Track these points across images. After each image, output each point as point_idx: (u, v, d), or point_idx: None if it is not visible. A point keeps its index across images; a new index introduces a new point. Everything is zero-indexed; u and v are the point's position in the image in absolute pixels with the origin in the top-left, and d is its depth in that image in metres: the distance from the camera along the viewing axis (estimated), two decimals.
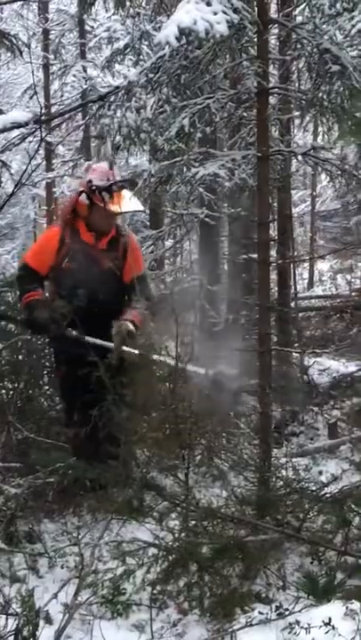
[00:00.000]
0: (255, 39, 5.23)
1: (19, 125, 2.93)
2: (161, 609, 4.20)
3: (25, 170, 4.94)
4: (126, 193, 5.73)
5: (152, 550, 4.49)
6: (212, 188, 7.54)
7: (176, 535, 4.58)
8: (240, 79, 6.40)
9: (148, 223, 15.43)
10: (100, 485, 5.25)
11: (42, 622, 3.62)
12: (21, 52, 5.15)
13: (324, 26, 5.20)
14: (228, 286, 9.97)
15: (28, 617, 3.44)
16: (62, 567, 4.67)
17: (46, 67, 15.99)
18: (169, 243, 12.57)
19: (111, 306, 5.69)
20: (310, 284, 20.89)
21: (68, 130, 14.89)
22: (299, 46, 5.28)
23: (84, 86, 15.15)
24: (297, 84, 5.72)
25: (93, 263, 5.75)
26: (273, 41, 7.24)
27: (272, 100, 6.06)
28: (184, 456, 5.24)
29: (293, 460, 6.64)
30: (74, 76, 15.40)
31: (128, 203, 5.67)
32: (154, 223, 14.51)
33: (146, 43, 11.94)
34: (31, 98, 16.87)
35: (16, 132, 4.88)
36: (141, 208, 5.70)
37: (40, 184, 17.61)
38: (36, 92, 16.70)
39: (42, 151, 16.11)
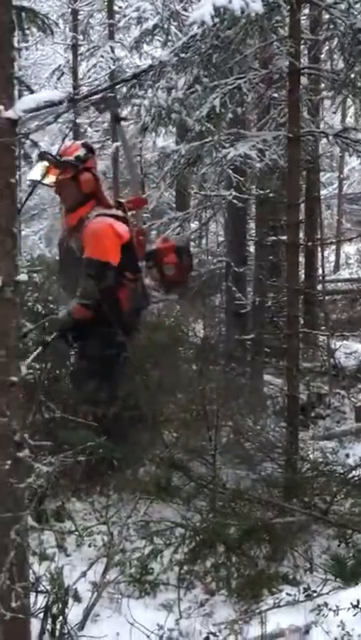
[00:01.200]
0: (287, 19, 5.19)
1: (52, 104, 2.93)
2: (188, 589, 4.22)
3: (58, 150, 4.97)
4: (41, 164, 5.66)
5: (179, 530, 4.50)
6: (241, 170, 7.49)
7: (204, 516, 4.59)
8: (271, 59, 6.36)
9: (173, 205, 15.41)
10: (127, 465, 5.29)
11: (71, 600, 3.65)
12: (52, 32, 5.17)
13: (358, 5, 5.14)
14: (255, 268, 9.93)
15: (58, 594, 3.47)
16: (90, 546, 4.67)
17: (75, 47, 15.95)
18: (194, 225, 12.52)
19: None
20: (337, 267, 20.81)
21: (96, 110, 14.83)
22: (331, 26, 5.23)
23: (112, 67, 15.11)
24: (329, 65, 5.67)
25: (63, 240, 5.99)
26: (304, 21, 7.18)
27: (303, 80, 6.02)
28: (211, 437, 5.25)
29: (320, 442, 6.65)
30: (102, 56, 15.35)
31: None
32: (180, 205, 14.48)
33: (175, 23, 11.87)
34: (59, 78, 16.86)
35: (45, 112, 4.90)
36: (35, 178, 5.49)
37: None
38: (63, 73, 16.70)
39: (68, 132, 16.11)
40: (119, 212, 5.91)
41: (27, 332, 3.24)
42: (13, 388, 3.11)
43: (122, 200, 6.17)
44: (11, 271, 3.07)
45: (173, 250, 6.23)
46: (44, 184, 5.58)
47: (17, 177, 3.14)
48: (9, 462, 3.03)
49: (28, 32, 5.41)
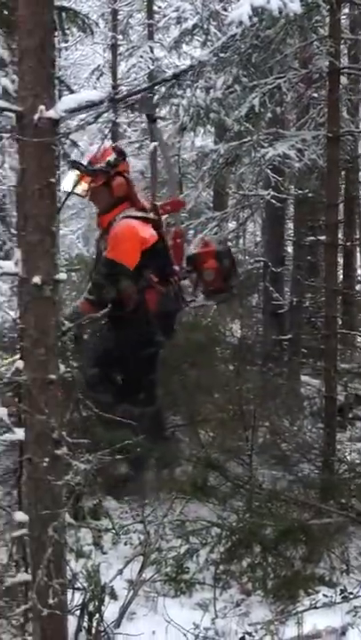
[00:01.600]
0: (327, 18, 5.17)
1: (92, 104, 2.95)
2: (224, 589, 4.21)
3: (97, 149, 5.00)
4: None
5: (215, 530, 4.50)
6: (279, 169, 7.47)
7: (240, 516, 4.59)
8: (311, 59, 6.34)
9: (211, 205, 15.39)
10: (164, 464, 5.30)
11: (107, 598, 3.66)
12: (92, 32, 5.20)
13: None
14: (293, 269, 9.90)
15: (94, 592, 3.48)
16: (126, 544, 4.70)
17: (114, 47, 16.00)
18: (232, 225, 12.50)
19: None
20: None
21: (132, 111, 14.87)
22: None
23: (151, 67, 15.14)
24: None
25: (98, 240, 6.03)
26: (344, 20, 7.15)
27: (343, 80, 5.99)
28: (247, 437, 5.24)
29: (357, 444, 6.61)
30: (141, 56, 15.38)
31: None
32: (218, 205, 14.46)
33: (214, 23, 11.86)
34: (98, 78, 16.92)
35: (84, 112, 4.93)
36: (67, 189, 5.43)
37: None
38: (103, 73, 16.75)
39: (107, 131, 16.17)
40: (150, 215, 5.85)
41: (65, 330, 3.25)
42: (52, 385, 3.14)
43: (157, 203, 6.11)
44: (50, 270, 3.10)
45: (213, 255, 6.18)
46: (76, 194, 5.55)
47: (57, 177, 3.17)
48: (47, 460, 3.05)
49: (68, 32, 5.43)
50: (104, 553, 4.57)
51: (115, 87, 15.15)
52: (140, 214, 5.78)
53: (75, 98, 3.06)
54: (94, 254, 6.33)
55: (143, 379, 5.62)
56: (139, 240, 5.65)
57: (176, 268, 5.96)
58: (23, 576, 3.32)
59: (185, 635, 3.65)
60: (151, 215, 5.86)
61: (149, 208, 5.91)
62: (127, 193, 5.78)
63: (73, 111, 3.05)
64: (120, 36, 16.09)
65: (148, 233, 5.75)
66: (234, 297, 7.97)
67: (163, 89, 5.98)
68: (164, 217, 5.96)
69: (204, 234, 9.02)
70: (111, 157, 5.62)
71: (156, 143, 12.63)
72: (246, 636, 3.70)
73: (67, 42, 15.08)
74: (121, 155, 5.76)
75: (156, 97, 6.01)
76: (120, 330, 5.58)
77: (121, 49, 16.29)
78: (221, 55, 5.14)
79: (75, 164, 5.48)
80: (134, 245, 5.64)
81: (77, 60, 20.51)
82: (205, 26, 11.67)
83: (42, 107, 2.92)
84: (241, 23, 4.50)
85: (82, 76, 19.36)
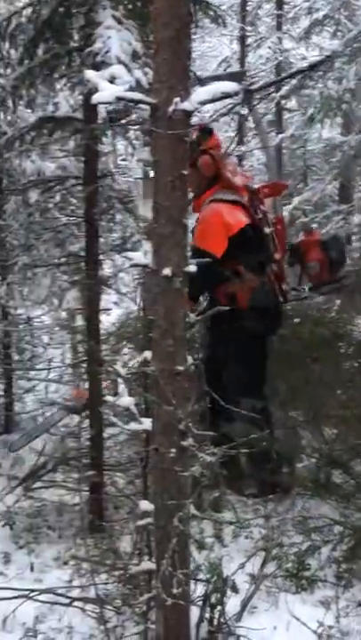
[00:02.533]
0: None
1: (227, 96, 2.94)
2: (346, 587, 4.13)
3: (232, 141, 4.99)
4: None
5: (338, 528, 4.44)
6: None
7: None
8: None
9: (336, 197, 15.18)
10: (287, 459, 5.26)
11: (228, 591, 3.66)
12: (225, 24, 5.19)
13: None
14: None
15: (216, 584, 3.48)
16: (246, 538, 4.69)
17: (242, 39, 15.94)
18: (357, 219, 12.30)
19: None
20: None
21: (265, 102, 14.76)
22: None
23: (280, 58, 15.03)
24: None
25: (193, 230, 5.48)
26: None
27: None
28: None
29: None
30: (269, 47, 15.31)
31: None
32: (343, 197, 14.25)
33: (345, 13, 11.68)
34: (225, 70, 16.90)
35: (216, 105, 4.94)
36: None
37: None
38: (230, 65, 16.73)
39: (233, 123, 16.14)
40: (243, 197, 5.45)
41: (193, 322, 3.26)
42: (179, 377, 3.16)
43: (256, 185, 5.70)
44: (180, 262, 3.11)
45: (318, 244, 5.80)
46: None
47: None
48: (174, 450, 3.07)
49: (200, 24, 5.44)
50: (224, 546, 4.57)
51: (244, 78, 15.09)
52: (230, 197, 5.40)
53: (209, 89, 3.06)
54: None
55: (246, 376, 5.34)
56: (223, 225, 5.27)
57: (277, 256, 5.50)
58: (147, 565, 3.35)
59: (315, 631, 3.61)
60: (245, 197, 5.46)
61: (248, 190, 5.51)
62: (217, 172, 5.41)
63: (207, 102, 3.05)
64: (249, 28, 16.03)
65: (235, 218, 5.35)
66: (346, 288, 7.64)
67: (293, 80, 5.93)
68: (267, 200, 5.55)
69: (329, 227, 8.89)
70: (193, 136, 5.15)
71: (283, 135, 12.55)
72: None
73: (194, 34, 15.10)
74: (205, 132, 5.44)
75: (285, 88, 5.94)
76: (216, 327, 5.36)
77: (249, 40, 16.23)
78: (355, 46, 5.06)
79: None
80: (218, 230, 5.26)
81: (205, 52, 20.54)
82: (336, 16, 11.52)
83: (177, 99, 2.93)
84: None
85: (209, 67, 19.38)
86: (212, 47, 20.59)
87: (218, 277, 5.24)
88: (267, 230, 5.47)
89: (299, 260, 5.85)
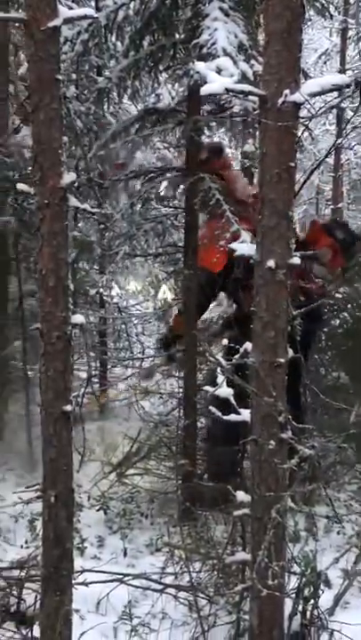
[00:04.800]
0: None
1: (338, 88, 2.92)
2: None
3: (338, 136, 4.92)
4: None
5: None
6: None
7: None
8: None
9: None
10: None
11: (322, 585, 3.64)
12: (331, 16, 5.14)
13: None
14: None
15: (310, 578, 3.48)
16: (338, 533, 4.67)
17: (344, 31, 15.71)
18: None
19: None
20: None
21: None
22: None
23: None
24: None
25: None
26: None
27: None
28: None
29: None
30: None
31: None
32: None
33: None
34: (325, 63, 16.73)
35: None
36: None
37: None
38: (330, 57, 16.53)
39: (331, 117, 15.95)
40: (248, 210, 5.15)
41: (295, 315, 3.25)
42: (280, 369, 3.16)
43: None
44: (284, 254, 3.10)
45: (321, 230, 5.60)
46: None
47: (296, 161, 3.16)
48: (272, 442, 3.07)
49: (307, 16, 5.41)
50: (317, 540, 4.55)
51: (341, 72, 14.85)
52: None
53: (319, 82, 3.04)
54: None
55: None
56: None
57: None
58: (242, 555, 3.37)
59: None
60: (250, 210, 5.11)
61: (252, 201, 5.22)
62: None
63: (317, 95, 3.03)
64: (351, 20, 15.78)
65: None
66: None
67: None
68: None
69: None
70: (202, 156, 5.17)
71: None
72: None
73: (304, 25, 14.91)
74: (214, 152, 5.35)
75: None
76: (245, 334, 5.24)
77: (350, 32, 15.98)
78: None
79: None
80: (215, 248, 5.09)
81: (304, 45, 20.33)
82: None
83: (286, 90, 2.92)
84: None
85: (308, 60, 19.20)
86: (311, 39, 20.37)
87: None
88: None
89: (312, 256, 5.58)
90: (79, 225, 6.67)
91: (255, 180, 5.85)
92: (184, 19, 4.72)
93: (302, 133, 4.89)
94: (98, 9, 5.81)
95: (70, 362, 3.07)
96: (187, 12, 4.68)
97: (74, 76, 5.72)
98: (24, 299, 6.23)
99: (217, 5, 4.41)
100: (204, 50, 4.25)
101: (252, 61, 4.28)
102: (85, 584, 3.71)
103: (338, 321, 6.48)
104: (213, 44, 4.23)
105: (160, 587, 3.84)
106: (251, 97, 3.11)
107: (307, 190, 21.92)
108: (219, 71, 3.32)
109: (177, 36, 4.86)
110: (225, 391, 3.28)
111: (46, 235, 2.94)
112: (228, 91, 2.99)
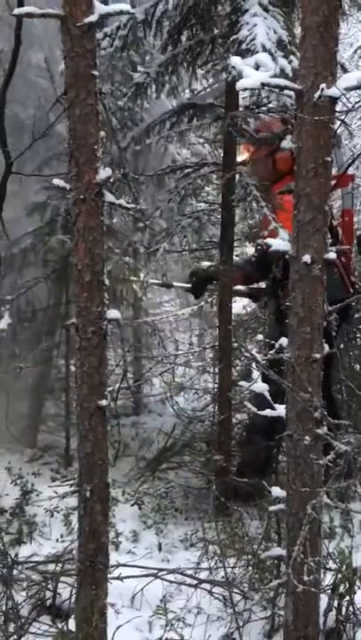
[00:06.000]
0: None
1: None
2: None
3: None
4: None
5: None
6: None
7: None
8: None
9: None
10: None
11: (357, 581, 3.62)
12: None
13: None
14: None
15: (345, 574, 3.46)
16: None
17: None
18: None
19: None
20: None
21: None
22: None
23: None
24: None
25: None
26: None
27: None
28: None
29: None
30: None
31: None
32: None
33: None
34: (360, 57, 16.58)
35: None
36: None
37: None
38: None
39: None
40: None
41: (331, 310, 3.23)
42: (315, 364, 3.14)
43: None
44: (320, 249, 3.09)
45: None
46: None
47: (332, 156, 3.14)
48: (308, 438, 3.06)
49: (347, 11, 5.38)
50: (352, 536, 4.53)
51: None
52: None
53: (356, 75, 3.01)
54: None
55: None
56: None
57: (344, 249, 5.21)
58: (277, 550, 3.36)
59: None
60: None
61: None
62: (290, 168, 4.95)
63: (353, 89, 3.01)
64: None
65: None
66: None
67: None
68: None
69: None
70: (278, 128, 5.16)
71: None
72: None
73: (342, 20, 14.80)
74: (290, 126, 5.17)
75: None
76: (279, 323, 5.17)
77: None
78: None
79: (240, 130, 5.18)
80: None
81: (340, 39, 20.18)
82: None
83: (323, 85, 2.91)
84: None
85: (344, 55, 19.05)
86: (346, 34, 20.21)
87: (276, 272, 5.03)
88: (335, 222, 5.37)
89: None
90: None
91: None
92: (223, 14, 4.72)
93: (338, 127, 4.85)
94: (132, 5, 5.82)
95: (105, 357, 3.08)
96: (226, 7, 4.67)
97: (110, 71, 5.74)
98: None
99: (256, 1, 4.39)
100: (243, 46, 4.23)
101: (291, 57, 4.26)
102: (120, 579, 3.73)
103: None
104: (253, 39, 4.21)
105: (195, 582, 3.85)
106: (287, 92, 3.10)
107: None
108: (257, 67, 3.31)
109: (215, 31, 4.86)
110: (260, 386, 3.28)
111: (82, 230, 2.96)
112: (263, 85, 2.98)
